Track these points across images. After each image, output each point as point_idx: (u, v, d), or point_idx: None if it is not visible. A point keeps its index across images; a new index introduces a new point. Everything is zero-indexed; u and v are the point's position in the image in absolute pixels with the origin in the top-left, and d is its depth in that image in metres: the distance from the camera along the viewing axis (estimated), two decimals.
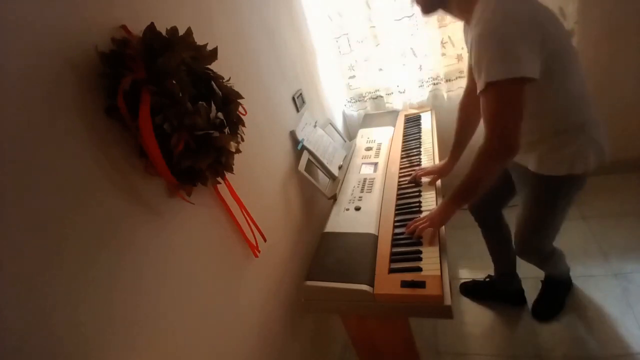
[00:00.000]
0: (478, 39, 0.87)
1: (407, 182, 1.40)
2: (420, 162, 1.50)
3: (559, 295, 1.55)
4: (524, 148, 1.02)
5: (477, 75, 0.89)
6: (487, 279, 1.69)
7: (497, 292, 1.63)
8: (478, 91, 0.90)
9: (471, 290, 1.72)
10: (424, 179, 1.37)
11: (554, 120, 1.01)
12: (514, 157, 0.91)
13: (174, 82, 0.62)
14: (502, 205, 1.46)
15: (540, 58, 0.86)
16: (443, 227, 1.12)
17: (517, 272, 1.59)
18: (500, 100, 0.87)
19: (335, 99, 2.04)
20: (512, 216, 1.31)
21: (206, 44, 0.74)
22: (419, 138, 1.67)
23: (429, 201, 1.26)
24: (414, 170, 1.45)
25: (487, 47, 0.85)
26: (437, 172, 1.36)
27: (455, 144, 1.36)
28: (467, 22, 0.99)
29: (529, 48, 0.83)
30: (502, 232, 1.50)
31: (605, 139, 1.04)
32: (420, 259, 1.04)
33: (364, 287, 0.98)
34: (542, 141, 1.05)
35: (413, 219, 1.19)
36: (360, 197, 1.37)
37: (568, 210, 1.18)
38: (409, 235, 1.13)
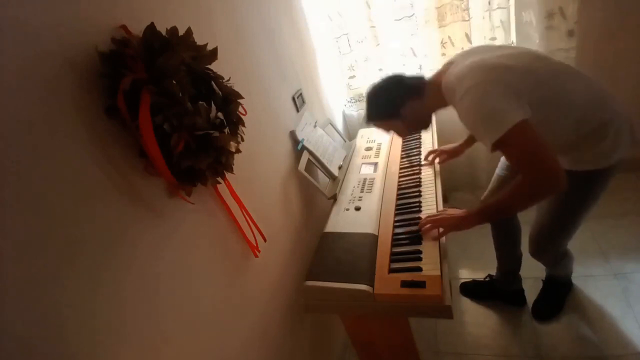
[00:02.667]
0: (465, 113, 0.95)
1: (421, 160, 1.47)
2: (420, 162, 1.50)
3: (559, 295, 1.55)
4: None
5: (481, 140, 0.94)
6: (488, 279, 1.69)
7: (498, 292, 1.63)
8: (491, 151, 0.93)
9: (471, 290, 1.72)
10: (433, 158, 1.45)
11: (568, 134, 1.01)
12: (558, 185, 0.88)
13: (174, 82, 0.62)
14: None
15: (520, 101, 0.89)
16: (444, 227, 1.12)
17: (519, 275, 1.59)
18: (516, 146, 0.89)
19: (335, 99, 2.04)
20: (523, 216, 1.31)
21: (206, 44, 0.74)
22: (419, 138, 1.68)
23: (429, 201, 1.26)
24: (413, 170, 1.46)
25: (475, 117, 0.92)
26: (448, 153, 1.42)
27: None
28: (451, 103, 1.04)
29: (507, 99, 0.88)
30: (514, 231, 1.49)
31: (629, 130, 1.05)
32: (420, 259, 1.04)
33: (364, 287, 0.98)
34: (565, 152, 1.06)
35: (413, 219, 1.20)
36: (360, 197, 1.37)
37: (592, 208, 1.16)
38: (419, 228, 1.12)
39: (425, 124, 1.19)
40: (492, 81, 0.90)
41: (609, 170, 1.07)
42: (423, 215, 1.17)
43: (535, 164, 0.88)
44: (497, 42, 1.77)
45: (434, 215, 1.12)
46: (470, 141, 1.44)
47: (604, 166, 1.05)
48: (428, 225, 1.10)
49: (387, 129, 1.23)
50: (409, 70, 1.93)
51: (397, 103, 1.11)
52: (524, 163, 0.90)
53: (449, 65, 1.07)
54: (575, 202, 1.14)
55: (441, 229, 1.09)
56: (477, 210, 1.04)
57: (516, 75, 0.92)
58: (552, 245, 1.30)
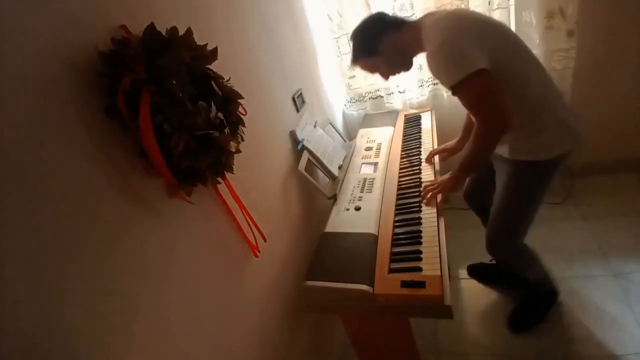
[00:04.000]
0: (432, 55, 1.01)
1: (423, 160, 1.51)
2: (420, 162, 1.50)
3: (537, 305, 1.51)
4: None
5: (443, 85, 1.05)
6: (493, 261, 1.71)
7: (502, 274, 1.64)
8: (449, 91, 1.01)
9: (478, 272, 1.76)
10: (436, 159, 1.48)
11: (519, 112, 1.06)
12: (507, 129, 0.97)
13: (174, 82, 0.62)
14: (491, 188, 1.46)
15: (483, 53, 0.96)
16: (443, 227, 1.12)
17: None
18: (473, 92, 0.98)
19: (335, 99, 2.04)
20: None
21: (206, 44, 0.74)
22: (419, 138, 1.67)
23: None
24: (413, 170, 1.46)
25: (437, 60, 1.00)
26: (448, 150, 1.48)
27: (466, 125, 1.44)
28: (425, 48, 1.08)
29: (471, 47, 0.95)
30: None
31: (575, 121, 1.10)
32: (420, 259, 1.04)
33: (364, 287, 0.98)
34: (513, 130, 1.09)
35: (413, 218, 1.20)
36: (360, 197, 1.37)
37: (542, 200, 1.22)
38: (422, 200, 1.23)
39: (406, 63, 1.22)
40: (462, 28, 0.98)
41: (549, 163, 1.12)
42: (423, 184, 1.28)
43: (489, 112, 0.97)
44: None
45: (432, 182, 1.24)
46: (467, 135, 1.45)
47: (543, 158, 1.11)
48: (429, 195, 1.21)
49: (371, 70, 1.26)
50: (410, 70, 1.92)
51: (376, 38, 1.16)
52: (478, 109, 0.99)
53: (431, 14, 1.12)
54: (520, 194, 1.20)
55: (439, 197, 1.20)
56: (459, 167, 1.15)
57: (487, 32, 1.00)
58: (503, 239, 1.30)
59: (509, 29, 1.09)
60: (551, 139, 1.08)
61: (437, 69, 1.02)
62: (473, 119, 1.03)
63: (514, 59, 1.03)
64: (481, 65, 0.93)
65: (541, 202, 1.22)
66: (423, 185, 1.27)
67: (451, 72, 0.96)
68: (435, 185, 1.21)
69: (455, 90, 0.98)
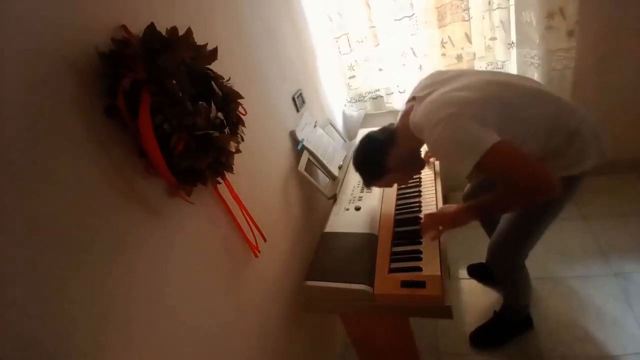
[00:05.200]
0: (437, 145, 0.96)
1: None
2: None
3: (504, 331, 1.49)
4: None
5: (459, 167, 0.93)
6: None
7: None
8: (468, 175, 0.95)
9: (478, 272, 1.76)
10: (432, 159, 1.46)
11: (537, 149, 1.01)
12: (552, 192, 0.88)
13: (174, 82, 0.62)
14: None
15: (491, 127, 0.90)
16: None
17: None
18: (496, 167, 0.90)
19: (335, 99, 2.04)
20: None
21: (206, 44, 0.74)
22: None
23: (429, 201, 1.26)
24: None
25: (449, 147, 0.92)
26: None
27: None
28: (423, 139, 1.03)
29: (476, 126, 0.89)
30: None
31: (597, 141, 1.04)
32: (420, 259, 1.04)
33: (364, 287, 0.98)
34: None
35: (413, 218, 1.20)
36: (360, 197, 1.37)
37: (554, 218, 1.18)
38: (421, 230, 1.15)
39: (417, 163, 1.23)
40: (456, 114, 0.91)
41: (572, 180, 1.07)
42: (422, 214, 1.19)
43: (524, 178, 0.89)
44: (496, 42, 1.78)
45: (433, 215, 1.13)
46: None
47: (566, 174, 1.04)
48: (428, 231, 1.12)
49: (389, 184, 1.23)
50: (409, 70, 1.92)
51: (380, 163, 1.13)
52: (511, 179, 0.91)
53: (411, 103, 1.09)
54: (535, 210, 1.15)
55: (440, 227, 1.10)
56: (470, 206, 1.05)
57: (477, 106, 0.93)
58: (508, 252, 1.27)
59: (490, 78, 1.03)
60: (571, 159, 1.03)
61: (450, 157, 0.95)
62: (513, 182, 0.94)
63: (515, 109, 0.97)
64: (492, 141, 0.87)
65: (552, 221, 1.17)
66: (423, 214, 1.19)
67: (466, 156, 0.89)
68: (438, 218, 1.11)
69: (478, 171, 0.90)
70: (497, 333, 1.49)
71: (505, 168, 0.90)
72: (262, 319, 1.03)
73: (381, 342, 1.22)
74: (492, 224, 1.49)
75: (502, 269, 1.35)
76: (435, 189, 1.32)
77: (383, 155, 1.13)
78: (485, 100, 0.95)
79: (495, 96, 0.96)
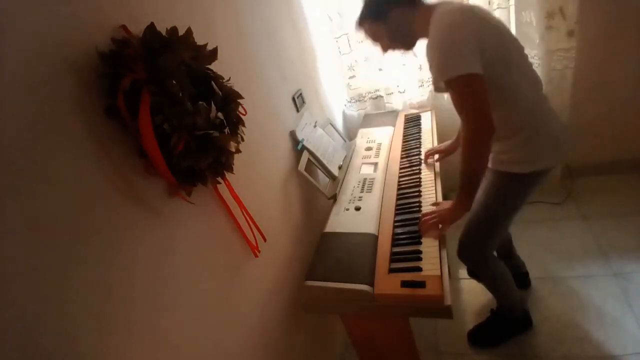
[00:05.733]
0: (429, 46, 1.01)
1: (419, 161, 1.51)
2: (420, 162, 1.50)
3: (502, 330, 1.48)
4: None
5: (434, 77, 1.04)
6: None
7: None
8: (434, 88, 1.04)
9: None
10: (430, 160, 1.47)
11: (509, 123, 1.06)
12: (492, 135, 0.97)
13: (174, 82, 0.62)
14: None
15: (481, 58, 0.94)
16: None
17: (518, 255, 1.62)
18: (461, 93, 0.97)
19: (335, 99, 2.04)
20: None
21: (206, 44, 0.74)
22: (419, 138, 1.67)
23: (429, 201, 1.26)
24: (413, 170, 1.46)
25: (435, 51, 0.99)
26: (443, 151, 1.46)
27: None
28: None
29: (469, 49, 0.94)
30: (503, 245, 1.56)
31: (563, 137, 1.11)
32: (420, 259, 1.04)
33: (364, 287, 0.98)
34: (500, 140, 1.11)
35: (413, 219, 1.20)
36: (360, 197, 1.37)
37: (517, 211, 1.22)
38: (420, 233, 1.15)
39: (408, 42, 1.18)
40: (466, 28, 0.96)
41: (531, 176, 1.12)
42: (421, 214, 1.20)
43: (473, 116, 0.96)
44: None
45: (431, 214, 1.14)
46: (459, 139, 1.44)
47: (526, 171, 1.11)
48: (427, 226, 1.12)
49: (374, 37, 1.21)
50: (409, 70, 1.92)
51: (386, 5, 1.12)
52: (463, 110, 0.99)
53: (445, 4, 1.06)
54: (498, 203, 1.20)
55: (440, 226, 1.12)
56: (457, 195, 1.09)
57: (490, 38, 0.98)
58: (474, 244, 1.28)
59: (511, 35, 1.07)
60: (537, 152, 1.09)
61: (431, 60, 1.02)
62: (461, 120, 1.02)
63: (510, 69, 1.02)
64: (474, 70, 0.93)
65: (515, 214, 1.23)
66: (421, 214, 1.18)
67: (443, 67, 0.96)
68: (434, 216, 1.12)
69: (446, 85, 0.98)
70: (495, 332, 1.49)
71: (465, 100, 0.97)
72: (262, 318, 1.03)
73: (381, 342, 1.22)
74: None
75: (472, 262, 1.37)
76: (435, 189, 1.32)
77: (395, 3, 1.11)
78: (498, 38, 1.01)
79: (507, 47, 1.02)
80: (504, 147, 1.12)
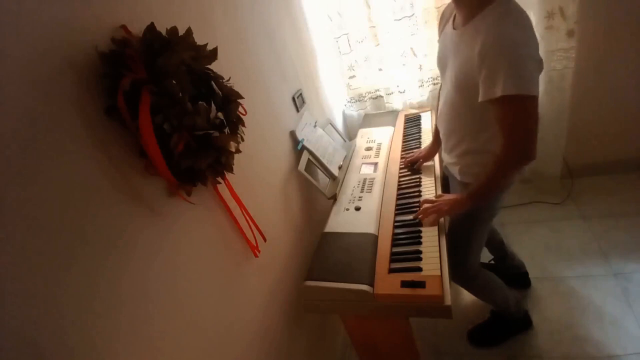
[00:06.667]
0: (498, 46, 0.86)
1: (403, 165, 1.51)
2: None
3: (502, 330, 1.49)
4: (456, 155, 1.14)
5: (487, 82, 0.88)
6: (492, 262, 1.73)
7: (502, 274, 1.64)
8: (485, 98, 0.90)
9: None
10: (416, 166, 1.47)
11: (490, 136, 1.02)
12: (530, 162, 0.93)
13: (174, 82, 0.62)
14: None
15: (538, 80, 0.89)
16: (444, 227, 1.12)
17: (516, 255, 1.63)
18: (518, 115, 0.89)
19: (335, 99, 2.04)
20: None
21: (206, 44, 0.74)
22: (419, 138, 1.67)
23: None
24: (413, 170, 1.46)
25: (505, 58, 0.85)
26: (423, 157, 1.45)
27: (437, 129, 1.36)
28: (465, 21, 0.96)
29: (535, 68, 0.88)
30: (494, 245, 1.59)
31: None
32: (420, 259, 1.04)
33: (364, 287, 0.98)
34: (470, 152, 1.11)
35: (413, 219, 1.20)
36: (360, 197, 1.37)
37: (489, 224, 1.23)
38: (414, 219, 1.17)
39: None
40: (533, 39, 0.89)
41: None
42: (421, 199, 1.22)
43: (522, 141, 0.92)
44: None
45: (431, 202, 1.16)
46: (439, 141, 1.34)
47: None
48: (424, 214, 1.15)
49: None
50: (409, 70, 1.92)
51: None
52: (513, 132, 0.92)
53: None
54: (467, 217, 1.17)
55: (434, 215, 1.13)
56: (467, 195, 1.08)
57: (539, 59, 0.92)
58: (457, 260, 1.23)
59: None
60: None
61: (496, 62, 0.86)
62: (503, 138, 0.94)
63: None
64: (537, 93, 0.87)
65: (490, 222, 1.23)
66: (422, 199, 1.21)
67: (510, 80, 0.84)
68: (434, 205, 1.14)
69: (504, 99, 0.86)
70: (494, 332, 1.50)
71: (520, 121, 0.90)
72: (262, 318, 1.03)
73: (381, 342, 1.22)
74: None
75: (460, 280, 1.34)
76: (435, 189, 1.32)
77: None
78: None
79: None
80: (475, 159, 1.10)
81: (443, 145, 1.25)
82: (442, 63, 1.12)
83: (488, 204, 1.15)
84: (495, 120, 0.94)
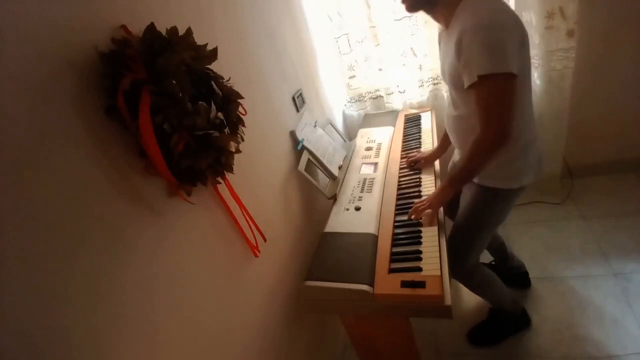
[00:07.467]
0: (470, 32, 0.89)
1: (405, 164, 1.51)
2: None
3: (499, 329, 1.50)
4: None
5: (466, 68, 0.92)
6: (493, 263, 1.73)
7: (502, 275, 1.64)
8: (467, 84, 0.93)
9: None
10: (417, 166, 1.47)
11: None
12: (507, 143, 0.94)
13: (174, 82, 0.62)
14: None
15: (518, 59, 0.91)
16: (444, 227, 1.12)
17: (515, 255, 1.63)
18: (493, 93, 0.91)
19: (335, 99, 2.04)
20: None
21: (206, 44, 0.74)
22: (419, 138, 1.67)
23: None
24: (413, 170, 1.46)
25: (478, 41, 0.88)
26: (425, 159, 1.46)
27: (444, 135, 1.41)
28: (447, 25, 1.02)
29: (513, 47, 0.89)
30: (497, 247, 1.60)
31: (542, 156, 1.12)
32: (420, 259, 1.04)
33: (364, 287, 0.98)
34: None
35: (413, 219, 1.20)
36: (360, 197, 1.37)
37: (497, 225, 1.25)
38: (410, 220, 1.19)
39: (431, 2, 1.02)
40: (509, 20, 0.90)
41: (513, 191, 1.13)
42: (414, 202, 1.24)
43: (498, 120, 0.92)
44: None
45: (421, 201, 1.19)
46: (444, 146, 1.44)
47: (508, 187, 1.11)
48: (417, 213, 1.17)
49: None
50: (409, 70, 1.93)
51: None
52: (489, 113, 0.93)
53: None
54: (481, 216, 1.19)
55: (428, 211, 1.15)
56: (447, 181, 1.11)
57: (523, 36, 0.93)
58: (457, 258, 1.24)
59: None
60: (522, 169, 1.08)
61: (470, 48, 0.90)
62: (478, 121, 0.96)
63: (525, 77, 0.98)
64: (513, 70, 0.87)
65: (496, 228, 1.25)
66: (414, 202, 1.22)
67: (484, 59, 0.87)
68: (423, 203, 1.17)
69: (480, 80, 0.89)
70: (494, 331, 1.50)
71: (494, 100, 0.91)
72: (262, 318, 1.03)
73: (381, 342, 1.22)
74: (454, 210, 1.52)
75: (458, 274, 1.35)
76: (435, 188, 1.31)
77: None
78: (526, 40, 0.95)
79: (529, 51, 0.98)
80: (501, 159, 1.08)
81: (456, 149, 1.28)
82: (442, 69, 1.15)
83: (502, 205, 1.16)
84: (476, 105, 0.95)
